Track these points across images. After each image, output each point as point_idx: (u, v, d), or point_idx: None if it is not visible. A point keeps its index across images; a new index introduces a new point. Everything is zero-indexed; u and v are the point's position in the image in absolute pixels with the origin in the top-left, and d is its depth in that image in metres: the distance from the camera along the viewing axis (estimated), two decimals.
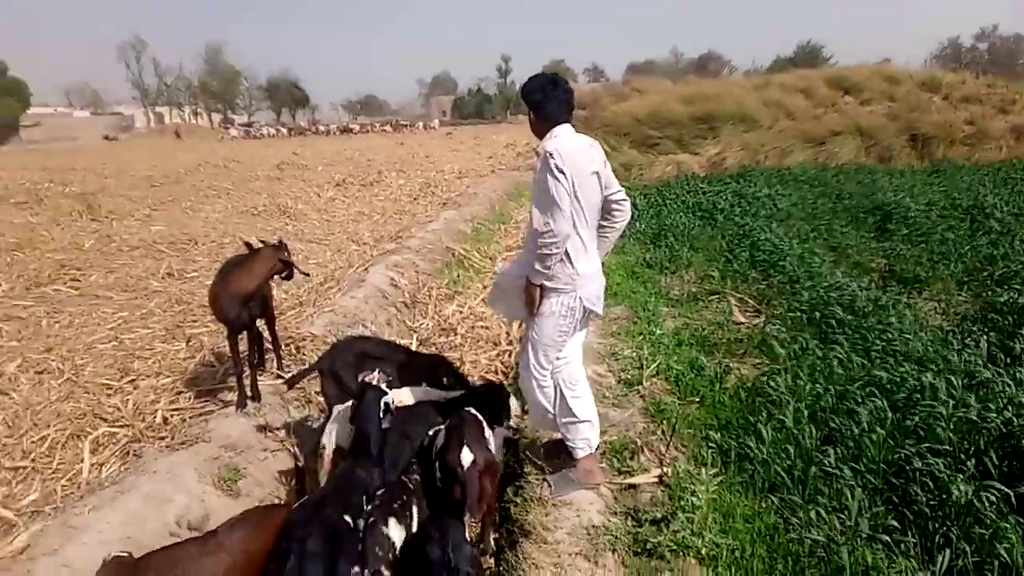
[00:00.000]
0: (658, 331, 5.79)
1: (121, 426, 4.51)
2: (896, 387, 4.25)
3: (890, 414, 3.92)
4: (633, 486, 3.67)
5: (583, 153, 3.39)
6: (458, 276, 8.67)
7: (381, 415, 3.20)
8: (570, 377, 3.62)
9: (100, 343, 6.06)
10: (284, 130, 62.52)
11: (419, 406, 3.84)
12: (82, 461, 4.09)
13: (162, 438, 4.34)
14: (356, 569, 2.49)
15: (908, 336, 5.04)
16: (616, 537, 3.23)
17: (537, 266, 3.34)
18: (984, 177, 12.70)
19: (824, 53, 77.86)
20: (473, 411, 3.45)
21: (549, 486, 3.67)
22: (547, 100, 3.45)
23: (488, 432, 3.38)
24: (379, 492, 2.90)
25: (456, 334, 6.62)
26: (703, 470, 3.66)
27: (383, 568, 2.60)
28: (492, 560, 3.45)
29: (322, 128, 65.26)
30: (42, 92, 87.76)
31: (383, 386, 3.35)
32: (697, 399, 4.60)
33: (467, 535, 2.87)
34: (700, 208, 11.13)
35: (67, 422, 4.55)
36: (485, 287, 8.31)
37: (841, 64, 35.55)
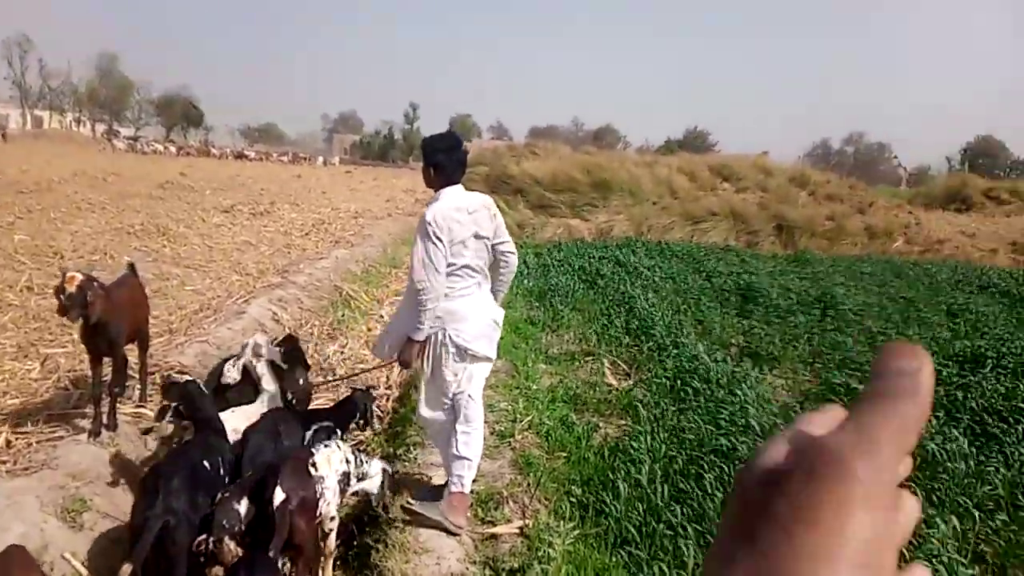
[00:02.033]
0: (534, 386, 6.03)
1: None
2: (735, 457, 4.65)
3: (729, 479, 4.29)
4: (495, 536, 3.80)
5: (463, 216, 3.71)
6: (343, 316, 8.63)
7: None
8: (466, 415, 3.80)
9: None
10: (173, 148, 59.65)
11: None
12: None
13: (3, 462, 4.06)
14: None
15: (753, 408, 5.52)
16: None
17: (416, 323, 3.64)
18: (838, 269, 14.06)
19: (710, 139, 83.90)
20: (301, 450, 3.63)
21: (410, 504, 3.78)
22: (447, 161, 3.76)
23: (326, 468, 3.45)
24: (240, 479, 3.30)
25: (335, 374, 6.59)
26: (562, 523, 3.84)
27: (227, 539, 2.89)
28: None
29: (215, 151, 62.79)
30: None
31: None
32: (564, 454, 4.82)
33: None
34: (585, 272, 11.67)
35: None
36: (370, 329, 8.33)
37: (724, 151, 38.42)
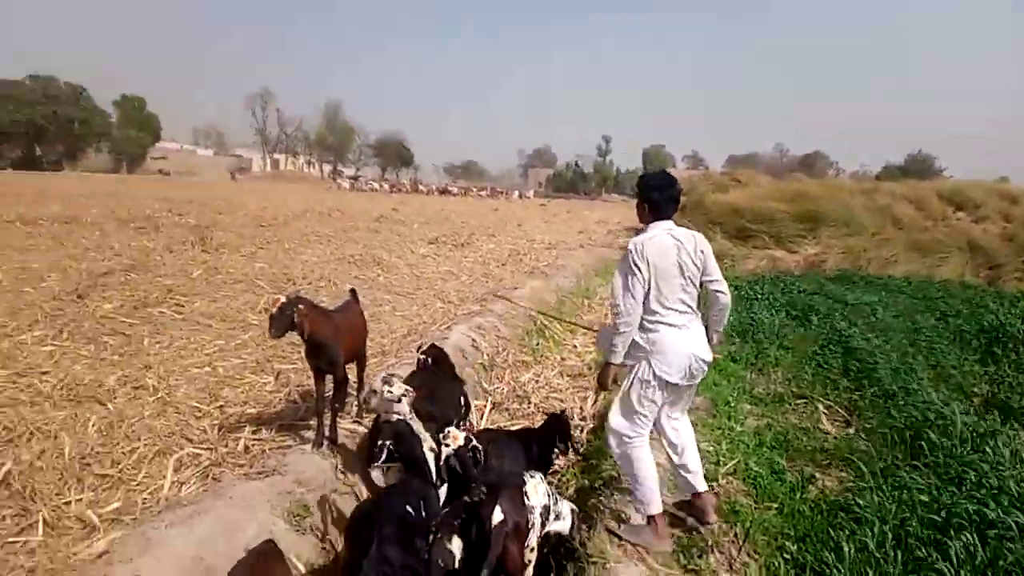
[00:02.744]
0: (738, 428, 5.62)
1: (205, 448, 4.71)
2: (986, 524, 3.94)
3: (980, 552, 3.64)
4: None
5: (670, 250, 3.81)
6: (538, 344, 8.72)
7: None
8: (672, 442, 4.05)
9: (195, 367, 6.39)
10: (387, 186, 65.47)
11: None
12: (164, 477, 4.27)
13: (241, 465, 4.50)
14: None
15: (1005, 470, 4.68)
16: None
17: (610, 345, 3.80)
18: None
19: (937, 164, 75.60)
20: (522, 476, 3.74)
21: (618, 530, 4.00)
22: (660, 197, 3.89)
23: (535, 498, 3.58)
24: (445, 512, 3.45)
25: (530, 402, 6.63)
26: None
27: None
28: None
29: (422, 187, 67.95)
30: (172, 129, 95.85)
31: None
32: (775, 505, 4.40)
33: None
34: (793, 307, 10.82)
35: (156, 438, 4.78)
36: (563, 359, 8.33)
37: (954, 177, 34.38)
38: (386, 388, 4.06)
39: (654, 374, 3.78)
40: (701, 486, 4.08)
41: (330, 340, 4.77)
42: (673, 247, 3.81)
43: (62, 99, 72.73)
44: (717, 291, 3.96)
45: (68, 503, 3.90)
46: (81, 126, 74.44)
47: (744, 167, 33.82)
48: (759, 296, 11.91)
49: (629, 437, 3.90)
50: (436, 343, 5.85)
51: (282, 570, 2.99)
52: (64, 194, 25.99)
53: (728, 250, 16.83)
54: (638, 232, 3.97)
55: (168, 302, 8.94)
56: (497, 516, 3.34)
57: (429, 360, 5.41)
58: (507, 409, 6.37)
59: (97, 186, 32.95)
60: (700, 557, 3.76)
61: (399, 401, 4.02)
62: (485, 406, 6.22)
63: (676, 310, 3.80)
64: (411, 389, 4.16)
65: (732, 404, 6.18)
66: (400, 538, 3.07)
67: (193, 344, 7.13)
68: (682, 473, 4.09)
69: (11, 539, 3.55)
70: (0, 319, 7.47)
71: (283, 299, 4.55)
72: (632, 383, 3.86)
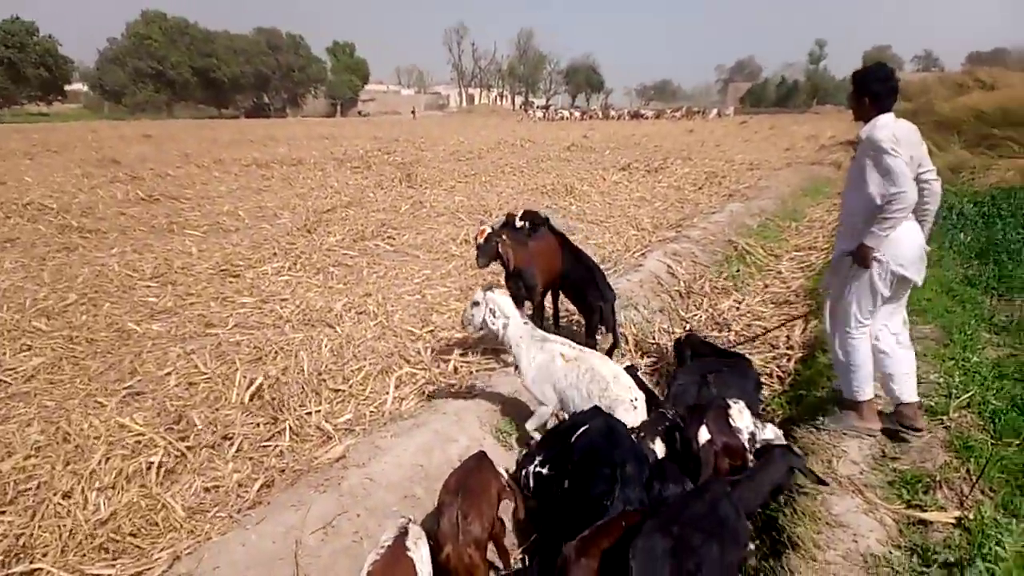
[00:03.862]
0: (974, 358, 5.01)
1: (420, 368, 5.13)
2: None
3: None
4: (924, 522, 3.26)
5: (909, 136, 3.75)
6: (738, 271, 8.34)
7: None
8: (882, 340, 3.99)
9: (407, 295, 6.92)
10: (577, 113, 64.95)
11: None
12: (387, 393, 4.73)
13: (452, 384, 4.85)
14: None
15: None
16: (897, 572, 2.92)
17: (877, 229, 3.67)
18: None
19: None
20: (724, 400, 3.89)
21: (823, 425, 4.13)
22: (882, 89, 3.79)
23: (741, 422, 3.72)
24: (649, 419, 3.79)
25: (730, 330, 6.40)
26: (1014, 520, 3.13)
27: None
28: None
29: (613, 113, 66.44)
30: (378, 71, 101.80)
31: None
32: (1016, 441, 3.91)
33: None
34: None
35: (379, 358, 5.29)
36: (766, 286, 7.90)
37: None
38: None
39: (889, 268, 3.79)
40: (911, 396, 4.00)
41: (527, 268, 4.93)
42: (911, 131, 3.78)
43: (283, 49, 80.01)
44: (932, 180, 3.86)
45: (309, 414, 4.46)
46: (299, 74, 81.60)
47: (990, 66, 28.82)
48: (1003, 213, 10.35)
49: (852, 330, 3.96)
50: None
51: (495, 478, 3.23)
52: (288, 138, 28.85)
53: (966, 161, 14.71)
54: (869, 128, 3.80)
55: (382, 235, 9.72)
56: (703, 435, 3.48)
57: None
58: (706, 337, 6.20)
59: (315, 130, 36.14)
60: (925, 492, 3.47)
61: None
62: (682, 334, 6.09)
63: None
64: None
65: (968, 332, 5.51)
66: (639, 479, 3.16)
67: (404, 273, 7.71)
68: (890, 383, 4.04)
69: (263, 443, 4.15)
70: (245, 252, 8.57)
71: (488, 229, 4.75)
72: (862, 278, 3.86)
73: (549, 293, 5.82)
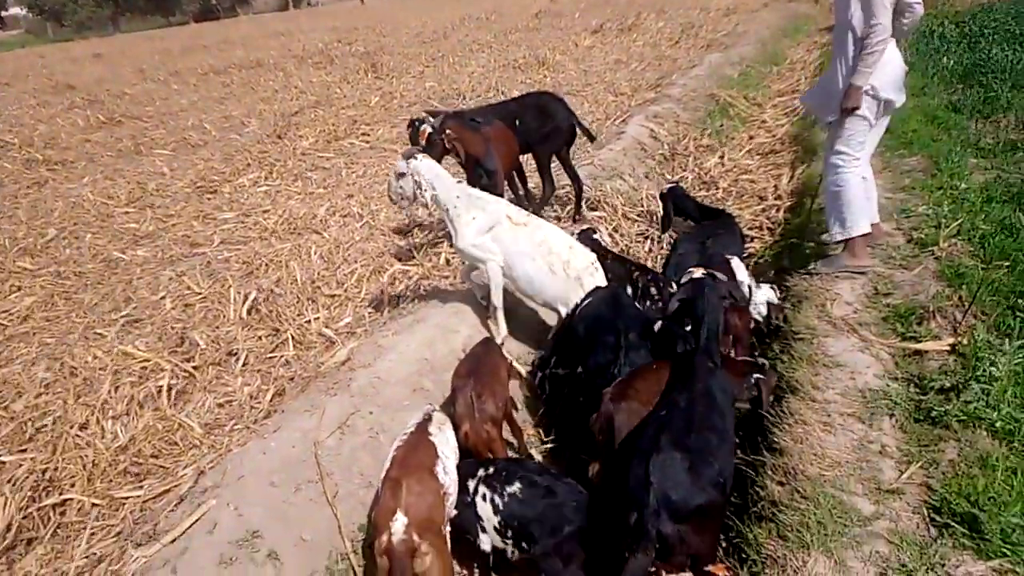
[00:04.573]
0: (962, 185, 5.00)
1: (413, 265, 5.11)
2: None
3: None
4: (919, 352, 3.36)
5: None
6: (721, 126, 8.18)
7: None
8: (864, 168, 4.11)
9: None
10: None
11: None
12: (382, 292, 4.74)
13: (446, 277, 4.86)
14: None
15: None
16: (895, 402, 3.03)
17: (862, 67, 3.76)
18: None
19: None
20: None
21: (815, 270, 4.21)
22: None
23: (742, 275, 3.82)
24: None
25: (718, 187, 6.36)
26: (1007, 340, 3.23)
27: None
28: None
29: None
30: None
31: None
32: (1006, 263, 3.97)
33: None
34: None
35: (369, 259, 5.27)
36: (751, 137, 7.77)
37: None
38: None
39: (877, 97, 3.85)
40: (876, 216, 4.30)
41: (486, 153, 4.76)
42: None
43: None
44: (916, 4, 3.82)
45: (308, 321, 4.49)
46: None
47: None
48: (987, 31, 10.03)
49: (846, 163, 4.03)
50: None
51: (503, 360, 3.33)
52: (242, 38, 27.42)
53: None
54: None
55: (355, 133, 9.43)
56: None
57: None
58: (695, 198, 6.15)
59: (270, 27, 34.27)
60: (919, 324, 3.55)
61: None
62: (664, 187, 6.03)
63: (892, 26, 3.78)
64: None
65: (954, 159, 5.47)
66: (642, 344, 3.16)
67: (383, 170, 7.53)
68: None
69: (268, 355, 4.20)
70: (218, 166, 8.35)
71: (429, 129, 4.54)
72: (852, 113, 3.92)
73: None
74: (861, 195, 4.06)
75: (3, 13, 68.25)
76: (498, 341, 3.81)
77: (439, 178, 3.88)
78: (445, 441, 2.76)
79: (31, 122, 12.81)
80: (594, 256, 3.93)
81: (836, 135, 4.07)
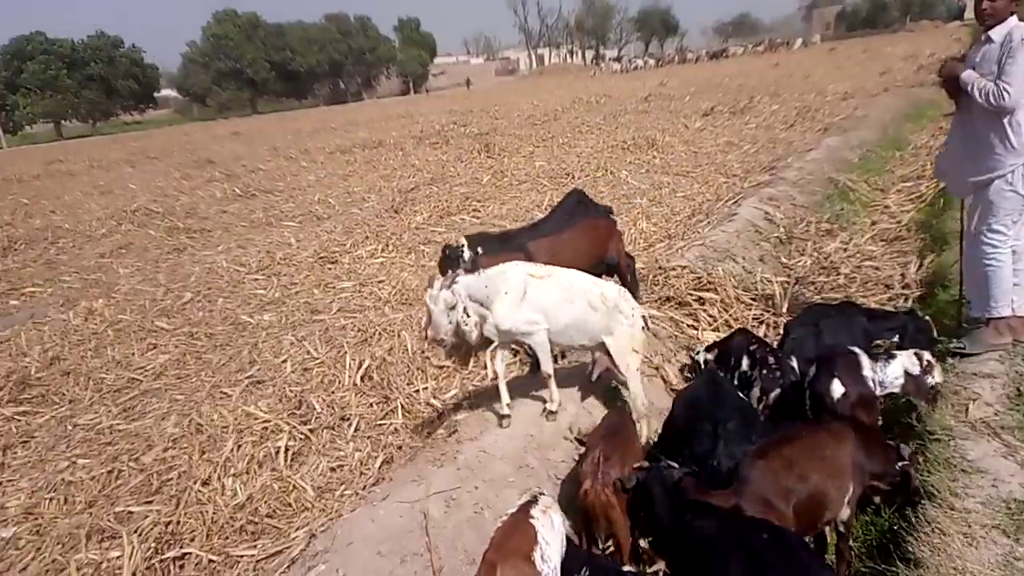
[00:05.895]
0: None
1: None
2: None
3: None
4: None
5: None
6: (842, 209, 7.92)
7: None
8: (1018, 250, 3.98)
9: None
10: (652, 61, 62.95)
11: None
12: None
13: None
14: None
15: None
16: None
17: (981, 83, 3.75)
18: None
19: None
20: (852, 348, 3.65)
21: (961, 347, 4.09)
22: None
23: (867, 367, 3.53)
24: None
25: (839, 274, 6.10)
26: None
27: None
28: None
29: (689, 55, 63.86)
30: (445, 43, 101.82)
31: None
32: None
33: None
34: None
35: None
36: (874, 223, 7.48)
37: None
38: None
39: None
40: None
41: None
42: None
43: (353, 33, 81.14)
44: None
45: (417, 391, 4.59)
46: (371, 56, 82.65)
47: None
48: None
49: (998, 245, 3.95)
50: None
51: (635, 433, 3.45)
52: (366, 121, 29.41)
53: None
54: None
55: (467, 208, 9.79)
56: (837, 389, 3.32)
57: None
58: (813, 283, 5.94)
59: (391, 110, 36.66)
60: None
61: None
62: (788, 283, 5.84)
63: None
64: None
65: None
66: (741, 435, 3.11)
67: None
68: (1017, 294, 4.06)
69: (379, 422, 4.31)
70: (340, 238, 8.85)
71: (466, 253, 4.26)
72: (1003, 191, 3.86)
73: None
74: (1010, 276, 3.99)
75: (156, 94, 76.41)
76: (552, 409, 3.75)
77: (467, 285, 3.56)
78: (548, 526, 2.70)
79: (174, 193, 14.13)
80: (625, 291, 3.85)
81: (989, 212, 3.95)
